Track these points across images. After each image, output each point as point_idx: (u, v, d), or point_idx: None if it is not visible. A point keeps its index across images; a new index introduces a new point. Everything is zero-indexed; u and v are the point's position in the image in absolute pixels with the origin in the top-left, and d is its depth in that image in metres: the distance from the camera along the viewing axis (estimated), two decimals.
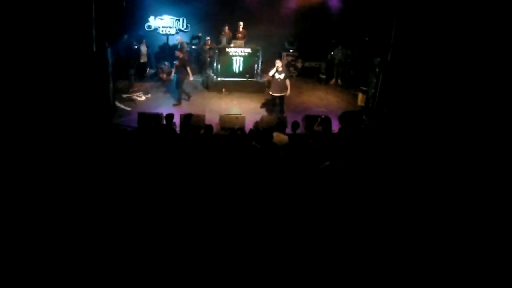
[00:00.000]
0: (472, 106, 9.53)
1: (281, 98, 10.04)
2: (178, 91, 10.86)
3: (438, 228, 4.97)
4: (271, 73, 9.98)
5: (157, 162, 6.16)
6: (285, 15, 13.41)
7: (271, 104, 10.35)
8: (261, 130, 7.56)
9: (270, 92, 10.18)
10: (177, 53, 11.02)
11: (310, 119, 9.12)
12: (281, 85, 9.91)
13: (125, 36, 12.24)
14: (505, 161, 7.05)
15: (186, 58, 11.09)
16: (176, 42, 13.18)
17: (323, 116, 8.99)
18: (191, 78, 10.91)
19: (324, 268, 4.37)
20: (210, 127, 7.49)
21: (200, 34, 13.32)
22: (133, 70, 11.83)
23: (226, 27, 13.13)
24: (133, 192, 5.50)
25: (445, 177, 6.33)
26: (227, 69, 12.18)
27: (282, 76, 9.83)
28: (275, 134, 7.34)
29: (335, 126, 9.29)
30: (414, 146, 7.43)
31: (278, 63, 9.90)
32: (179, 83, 10.74)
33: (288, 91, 10.04)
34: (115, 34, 11.87)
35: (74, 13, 8.22)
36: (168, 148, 6.68)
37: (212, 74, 12.30)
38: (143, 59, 12.40)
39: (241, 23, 12.76)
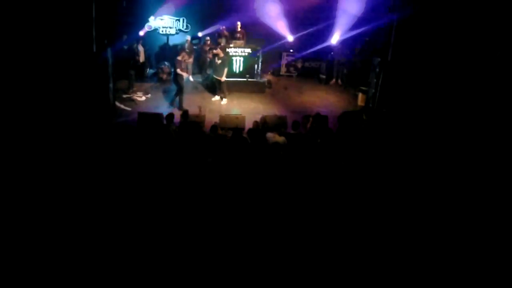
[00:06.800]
0: (472, 106, 9.52)
1: (219, 81, 11.38)
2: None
3: (437, 227, 4.97)
4: (210, 55, 11.78)
5: (158, 161, 6.16)
6: (286, 15, 13.42)
7: (215, 85, 11.65)
8: (257, 129, 7.53)
9: (213, 75, 11.66)
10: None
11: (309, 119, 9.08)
12: (218, 70, 11.33)
13: (125, 36, 12.24)
14: (505, 161, 7.04)
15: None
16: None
17: (314, 114, 8.95)
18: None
19: (324, 268, 4.37)
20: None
21: (200, 35, 13.32)
22: (133, 70, 11.82)
23: (224, 28, 13.14)
24: (134, 191, 5.50)
25: (445, 176, 6.33)
26: (227, 69, 12.18)
27: (219, 62, 11.27)
28: (271, 135, 7.29)
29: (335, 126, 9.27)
30: (414, 146, 7.43)
31: (218, 50, 11.41)
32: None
33: (223, 78, 11.30)
34: (115, 34, 11.88)
35: (74, 13, 8.21)
36: (168, 148, 6.67)
37: (212, 74, 12.31)
38: (141, 59, 12.36)
39: (239, 23, 12.77)
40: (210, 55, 11.91)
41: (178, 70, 10.59)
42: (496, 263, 4.58)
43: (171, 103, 10.77)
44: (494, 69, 9.80)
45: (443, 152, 7.30)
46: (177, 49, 12.87)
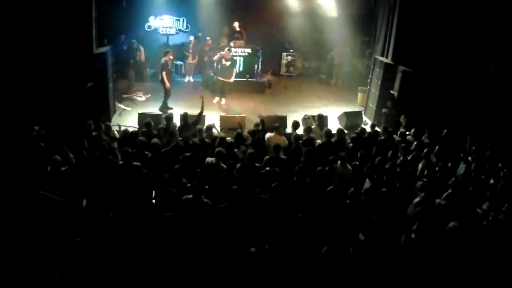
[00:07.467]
0: (472, 106, 9.53)
1: (224, 83, 11.00)
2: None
3: (437, 227, 4.97)
4: (216, 57, 11.20)
5: (157, 162, 6.16)
6: (286, 15, 13.43)
7: (216, 87, 11.28)
8: (258, 129, 7.53)
9: (217, 76, 11.14)
10: None
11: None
12: (226, 72, 10.98)
13: (124, 36, 12.25)
14: (504, 160, 7.04)
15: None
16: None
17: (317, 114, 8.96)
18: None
19: (324, 268, 4.37)
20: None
21: (200, 34, 13.32)
22: (133, 70, 11.83)
23: (225, 27, 13.13)
24: (134, 191, 5.50)
25: (444, 176, 6.32)
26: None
27: (228, 63, 10.93)
28: (272, 136, 7.27)
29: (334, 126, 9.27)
30: (414, 145, 7.42)
31: (226, 52, 10.96)
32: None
33: (232, 79, 11.05)
34: (114, 34, 11.89)
35: (74, 13, 8.21)
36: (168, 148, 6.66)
37: (212, 74, 12.30)
38: (141, 59, 12.34)
39: (236, 23, 12.70)
40: (217, 58, 11.28)
41: (163, 74, 10.15)
42: (497, 263, 4.59)
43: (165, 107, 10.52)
44: (494, 69, 9.81)
45: (443, 151, 7.30)
46: (181, 49, 12.92)
